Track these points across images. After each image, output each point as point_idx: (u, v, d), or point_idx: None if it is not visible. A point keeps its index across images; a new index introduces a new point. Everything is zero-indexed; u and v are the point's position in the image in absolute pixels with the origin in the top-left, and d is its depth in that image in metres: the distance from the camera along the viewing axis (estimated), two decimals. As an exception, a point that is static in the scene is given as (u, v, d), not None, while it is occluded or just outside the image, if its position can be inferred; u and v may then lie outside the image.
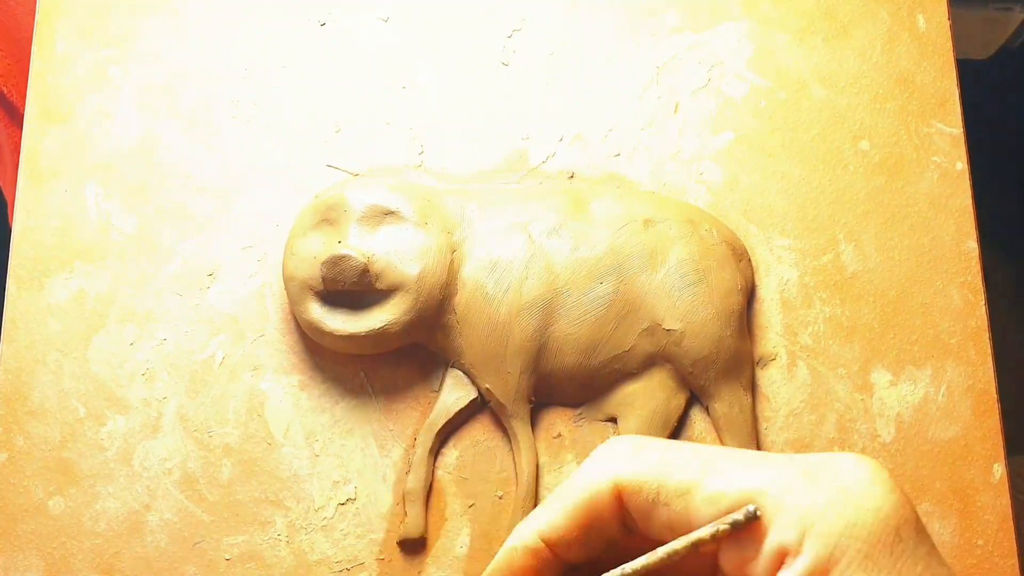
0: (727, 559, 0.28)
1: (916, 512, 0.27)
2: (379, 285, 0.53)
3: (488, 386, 0.54)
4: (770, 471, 0.27)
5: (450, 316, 0.54)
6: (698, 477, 0.28)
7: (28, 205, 0.57)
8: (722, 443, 0.55)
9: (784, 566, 0.26)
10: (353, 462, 0.54)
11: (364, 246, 0.53)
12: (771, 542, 0.27)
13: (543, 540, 0.30)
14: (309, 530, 0.53)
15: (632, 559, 0.29)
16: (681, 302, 0.54)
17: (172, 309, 0.56)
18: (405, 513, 0.53)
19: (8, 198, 0.80)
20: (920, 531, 0.27)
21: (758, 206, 0.59)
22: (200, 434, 0.54)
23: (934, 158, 0.61)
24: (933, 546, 0.27)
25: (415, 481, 0.53)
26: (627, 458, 0.29)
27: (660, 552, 0.29)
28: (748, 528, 0.27)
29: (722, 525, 0.28)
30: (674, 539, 0.28)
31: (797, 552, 0.26)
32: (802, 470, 0.27)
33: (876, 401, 0.57)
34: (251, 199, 0.58)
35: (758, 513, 0.27)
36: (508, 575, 0.30)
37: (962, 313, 0.58)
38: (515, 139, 0.59)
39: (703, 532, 0.28)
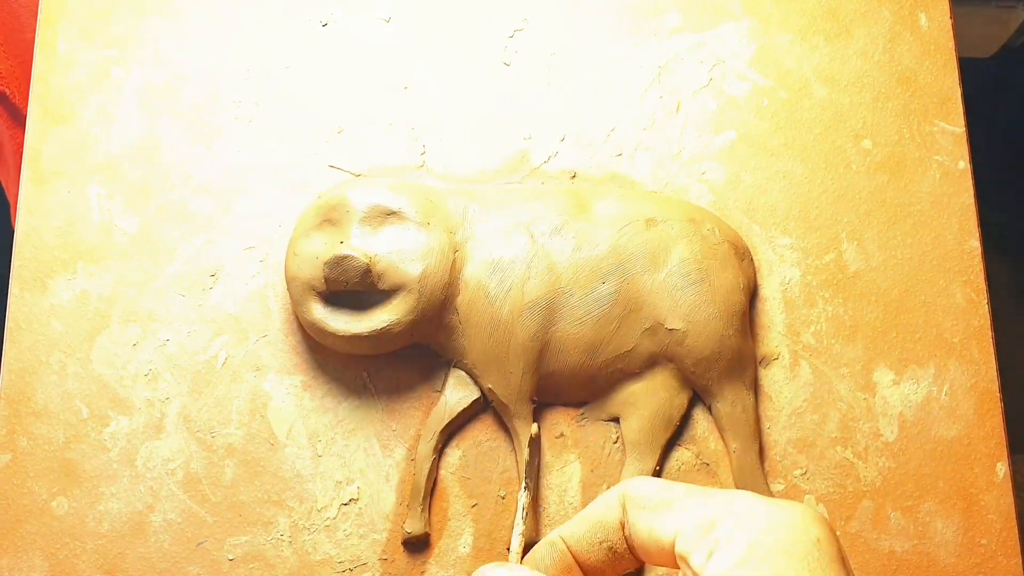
0: None
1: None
2: (381, 285, 0.53)
3: (491, 386, 0.54)
4: (715, 504, 0.33)
5: (452, 316, 0.54)
6: (671, 500, 0.34)
7: (31, 206, 0.57)
8: (724, 442, 0.55)
9: None
10: (356, 462, 0.54)
11: (366, 246, 0.53)
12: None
13: (562, 538, 0.37)
14: (312, 530, 0.53)
15: None
16: (683, 301, 0.54)
17: (175, 310, 0.56)
18: (408, 513, 0.53)
19: (11, 199, 0.80)
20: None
21: (760, 205, 0.59)
22: (203, 435, 0.54)
23: (936, 157, 0.61)
24: None
25: (418, 481, 0.53)
26: (637, 482, 0.36)
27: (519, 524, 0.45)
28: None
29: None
30: (651, 542, 0.34)
31: None
32: (714, 518, 0.32)
33: (879, 400, 0.57)
34: (253, 199, 0.58)
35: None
36: (539, 563, 0.38)
37: (965, 312, 0.58)
38: (517, 139, 0.59)
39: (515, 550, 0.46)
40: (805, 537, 0.31)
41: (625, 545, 0.36)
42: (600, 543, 0.36)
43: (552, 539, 0.38)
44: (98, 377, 0.55)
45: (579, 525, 0.37)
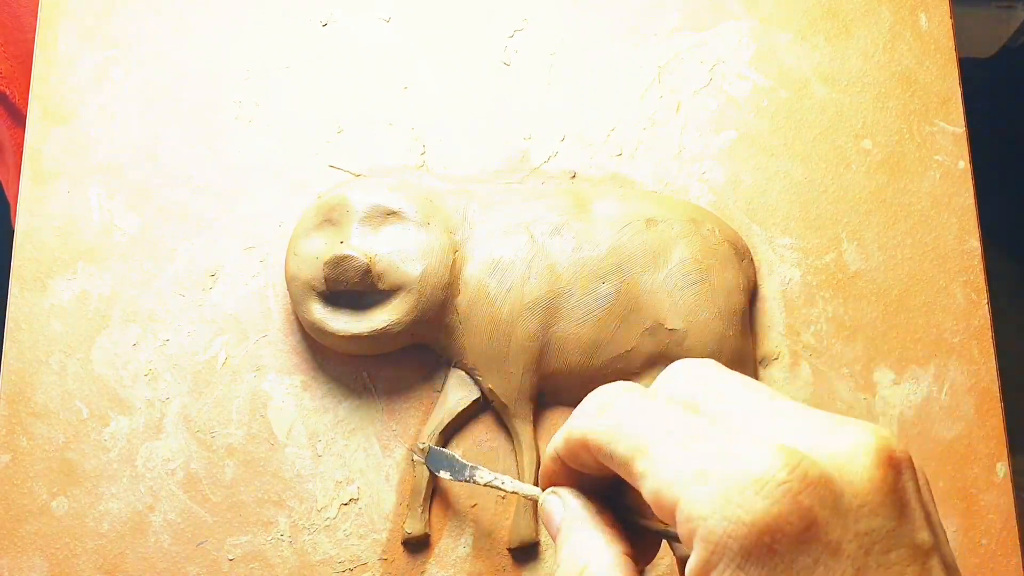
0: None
1: (810, 524, 0.25)
2: (381, 285, 0.53)
3: (491, 386, 0.54)
4: (679, 464, 0.27)
5: (452, 316, 0.54)
6: (632, 455, 0.29)
7: (31, 206, 0.57)
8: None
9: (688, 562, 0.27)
10: (356, 462, 0.54)
11: (366, 246, 0.53)
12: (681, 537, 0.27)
13: (556, 452, 0.33)
14: (312, 530, 0.53)
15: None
16: (683, 302, 0.54)
17: (175, 310, 0.56)
18: (408, 513, 0.53)
19: (11, 199, 0.80)
20: (803, 544, 0.25)
21: (760, 205, 0.59)
22: (203, 435, 0.54)
23: (936, 157, 0.61)
24: (818, 563, 0.25)
25: (418, 481, 0.53)
26: (593, 416, 0.31)
27: (507, 484, 0.40)
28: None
29: (530, 494, 0.38)
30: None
31: (691, 549, 0.26)
32: (707, 459, 0.27)
33: (879, 400, 0.57)
34: (253, 199, 0.58)
35: (539, 502, 0.34)
36: (557, 454, 0.33)
37: (965, 312, 0.58)
38: (517, 139, 0.59)
39: (527, 491, 0.39)
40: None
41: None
42: (587, 466, 0.32)
43: (550, 453, 0.34)
44: (98, 377, 0.55)
45: (559, 443, 0.33)
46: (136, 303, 0.56)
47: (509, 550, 0.53)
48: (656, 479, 0.27)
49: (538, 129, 0.60)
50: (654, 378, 0.54)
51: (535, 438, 0.54)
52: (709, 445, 0.27)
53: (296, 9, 0.61)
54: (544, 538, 0.54)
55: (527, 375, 0.54)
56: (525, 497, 0.45)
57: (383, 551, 0.53)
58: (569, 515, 0.33)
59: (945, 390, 0.57)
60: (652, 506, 0.28)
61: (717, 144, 0.60)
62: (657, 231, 0.55)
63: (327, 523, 0.53)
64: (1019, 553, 0.55)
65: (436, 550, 0.53)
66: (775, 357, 0.57)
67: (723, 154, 0.60)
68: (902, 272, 0.59)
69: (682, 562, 0.30)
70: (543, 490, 0.35)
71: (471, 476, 0.46)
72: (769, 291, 0.58)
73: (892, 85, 0.62)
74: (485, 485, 0.45)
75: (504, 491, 0.44)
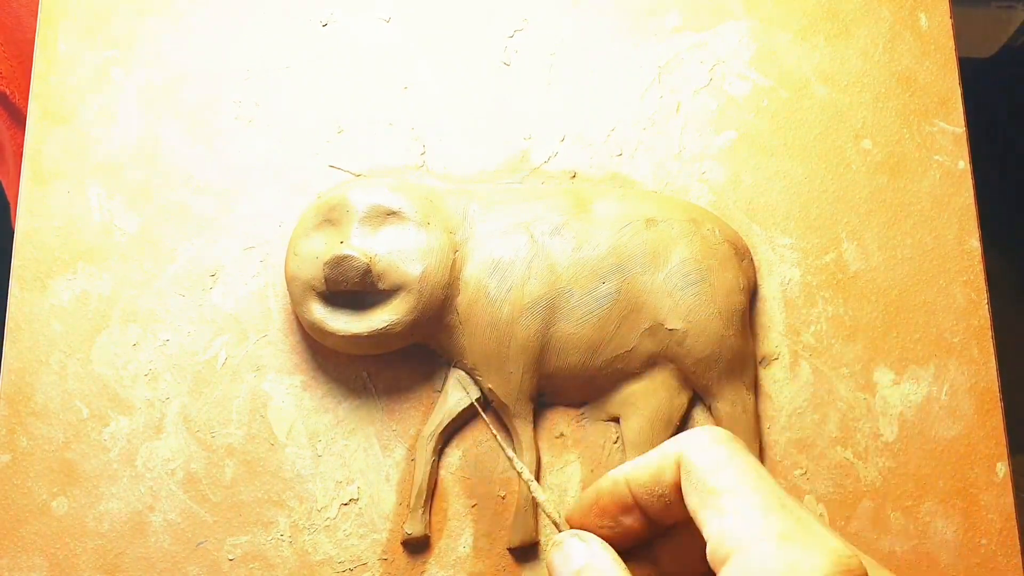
0: None
1: None
2: (381, 285, 0.53)
3: (491, 386, 0.54)
4: (753, 522, 0.31)
5: (452, 316, 0.54)
6: (724, 490, 0.33)
7: (31, 206, 0.57)
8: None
9: None
10: (356, 462, 0.54)
11: (366, 246, 0.53)
12: None
13: (626, 479, 0.36)
14: (312, 530, 0.53)
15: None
16: (683, 302, 0.54)
17: (175, 310, 0.56)
18: (408, 514, 0.53)
19: (11, 199, 0.80)
20: None
21: (760, 205, 0.59)
22: (203, 435, 0.54)
23: (936, 157, 0.61)
24: None
25: (418, 481, 0.53)
26: (702, 442, 0.34)
27: (537, 493, 0.41)
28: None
29: (553, 518, 0.39)
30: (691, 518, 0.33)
31: None
32: (778, 533, 0.31)
33: (879, 400, 0.57)
34: (253, 199, 0.58)
35: (557, 539, 0.36)
36: (598, 499, 0.37)
37: (965, 312, 0.58)
38: (517, 139, 0.59)
39: (550, 510, 0.40)
40: None
41: (683, 503, 0.34)
42: (659, 496, 0.35)
43: (616, 478, 0.37)
44: (98, 377, 0.55)
45: (642, 471, 0.36)
46: (136, 303, 0.56)
47: (509, 550, 0.53)
48: (735, 521, 0.31)
49: (538, 129, 0.60)
50: (653, 379, 0.54)
51: (535, 438, 0.54)
52: (789, 513, 0.31)
53: (296, 9, 0.61)
54: (544, 538, 0.54)
55: (527, 375, 0.54)
56: (546, 515, 0.45)
57: (383, 551, 0.53)
58: (597, 562, 0.35)
59: (945, 390, 0.57)
60: (712, 542, 0.31)
61: (717, 144, 0.60)
62: (657, 231, 0.55)
63: (327, 523, 0.53)
64: (1019, 553, 0.55)
65: (436, 550, 0.53)
66: (775, 357, 0.57)
67: (723, 154, 0.60)
68: (902, 272, 0.59)
69: None
70: (565, 527, 0.38)
71: (510, 457, 0.46)
72: (769, 291, 0.58)
73: (892, 85, 0.62)
74: (519, 473, 0.44)
75: (531, 492, 0.44)
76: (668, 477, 0.35)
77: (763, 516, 0.31)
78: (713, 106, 0.61)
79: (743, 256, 0.57)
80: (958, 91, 0.62)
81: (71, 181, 0.57)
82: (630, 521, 0.36)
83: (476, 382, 0.54)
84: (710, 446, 0.34)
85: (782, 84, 0.61)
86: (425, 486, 0.53)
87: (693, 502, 0.33)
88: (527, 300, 0.53)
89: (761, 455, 0.55)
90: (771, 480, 0.33)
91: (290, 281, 0.54)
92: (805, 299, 0.58)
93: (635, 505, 0.36)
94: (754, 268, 0.57)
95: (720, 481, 0.33)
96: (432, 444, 0.54)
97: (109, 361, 0.55)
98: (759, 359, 0.57)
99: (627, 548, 0.37)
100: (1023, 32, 1.15)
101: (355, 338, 0.53)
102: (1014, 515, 0.55)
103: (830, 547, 0.30)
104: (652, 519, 0.36)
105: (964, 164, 0.60)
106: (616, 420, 0.55)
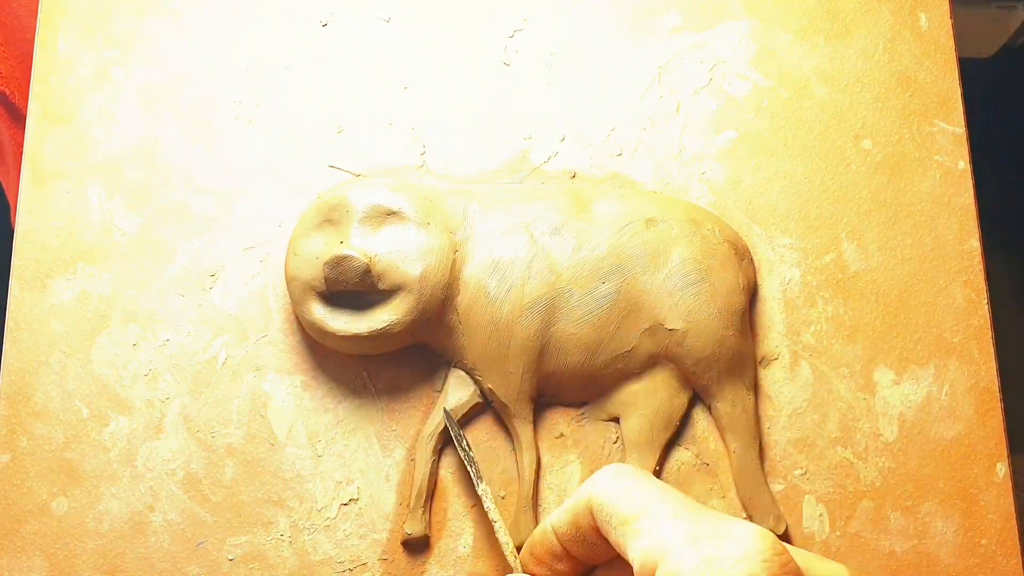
0: None
1: None
2: (381, 285, 0.53)
3: (491, 386, 0.54)
4: (674, 528, 0.33)
5: (452, 316, 0.54)
6: (635, 515, 0.34)
7: (31, 206, 0.57)
8: (724, 442, 0.55)
9: None
10: (356, 462, 0.54)
11: (366, 246, 0.53)
12: None
13: (552, 529, 0.38)
14: (312, 530, 0.53)
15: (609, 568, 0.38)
16: (683, 302, 0.54)
17: (175, 310, 0.56)
18: (408, 514, 0.53)
19: (11, 199, 0.80)
20: None
21: (760, 205, 0.59)
22: (203, 435, 0.54)
23: (936, 157, 0.61)
24: None
25: (418, 481, 0.53)
26: (606, 481, 0.36)
27: (500, 534, 0.46)
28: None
29: (508, 550, 0.47)
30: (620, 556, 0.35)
31: None
32: (698, 528, 0.32)
33: (879, 400, 0.57)
34: (253, 199, 0.58)
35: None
36: (532, 548, 0.39)
37: (965, 312, 0.58)
38: (517, 139, 0.59)
39: (505, 541, 0.48)
40: None
41: (606, 542, 0.36)
42: (581, 541, 0.37)
43: (545, 528, 0.39)
44: (98, 377, 0.55)
45: (563, 516, 0.38)
46: (136, 303, 0.56)
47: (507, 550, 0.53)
48: (651, 537, 0.32)
49: (538, 129, 0.60)
50: (653, 379, 0.55)
51: (535, 438, 0.54)
52: (701, 517, 0.33)
53: (296, 9, 0.61)
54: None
55: (527, 375, 0.54)
56: (502, 544, 0.49)
57: (383, 551, 0.53)
58: None
59: (945, 390, 0.57)
60: (636, 564, 0.32)
61: (717, 144, 0.60)
62: (657, 231, 0.55)
63: (327, 523, 0.53)
64: (1019, 553, 0.55)
65: (436, 550, 0.53)
66: (775, 357, 0.57)
67: (723, 154, 0.60)
68: (902, 272, 0.59)
69: None
70: (520, 570, 0.41)
71: (477, 476, 0.49)
72: (769, 291, 0.58)
73: (892, 85, 0.62)
74: (480, 494, 0.48)
75: (490, 516, 0.49)
76: (584, 522, 0.36)
77: (677, 525, 0.33)
78: (713, 106, 0.61)
79: (743, 256, 0.57)
80: (958, 91, 0.62)
81: (71, 181, 0.57)
82: (562, 567, 0.39)
83: (476, 382, 0.54)
84: (615, 480, 0.36)
85: (782, 84, 0.61)
86: (425, 486, 0.53)
87: (613, 537, 0.35)
88: (527, 300, 0.53)
89: (761, 455, 0.55)
90: (678, 493, 0.35)
91: (290, 281, 0.54)
92: (805, 299, 0.58)
93: (564, 552, 0.38)
94: (754, 268, 0.57)
95: (631, 508, 0.34)
96: (432, 444, 0.54)
97: (109, 361, 0.55)
98: (759, 359, 0.57)
99: None
100: (1023, 32, 1.15)
101: (355, 338, 0.53)
102: (1014, 515, 0.55)
103: (745, 539, 0.31)
104: (582, 561, 0.38)
105: (964, 164, 0.60)
106: (616, 420, 0.55)
